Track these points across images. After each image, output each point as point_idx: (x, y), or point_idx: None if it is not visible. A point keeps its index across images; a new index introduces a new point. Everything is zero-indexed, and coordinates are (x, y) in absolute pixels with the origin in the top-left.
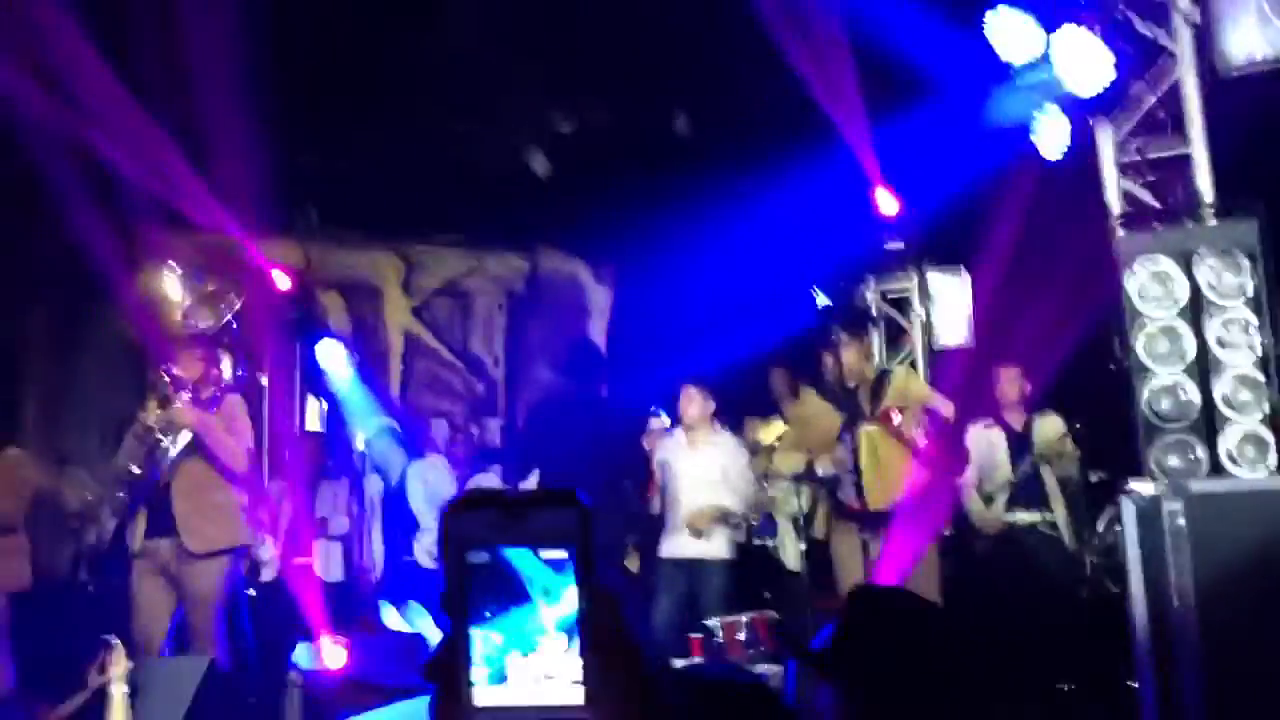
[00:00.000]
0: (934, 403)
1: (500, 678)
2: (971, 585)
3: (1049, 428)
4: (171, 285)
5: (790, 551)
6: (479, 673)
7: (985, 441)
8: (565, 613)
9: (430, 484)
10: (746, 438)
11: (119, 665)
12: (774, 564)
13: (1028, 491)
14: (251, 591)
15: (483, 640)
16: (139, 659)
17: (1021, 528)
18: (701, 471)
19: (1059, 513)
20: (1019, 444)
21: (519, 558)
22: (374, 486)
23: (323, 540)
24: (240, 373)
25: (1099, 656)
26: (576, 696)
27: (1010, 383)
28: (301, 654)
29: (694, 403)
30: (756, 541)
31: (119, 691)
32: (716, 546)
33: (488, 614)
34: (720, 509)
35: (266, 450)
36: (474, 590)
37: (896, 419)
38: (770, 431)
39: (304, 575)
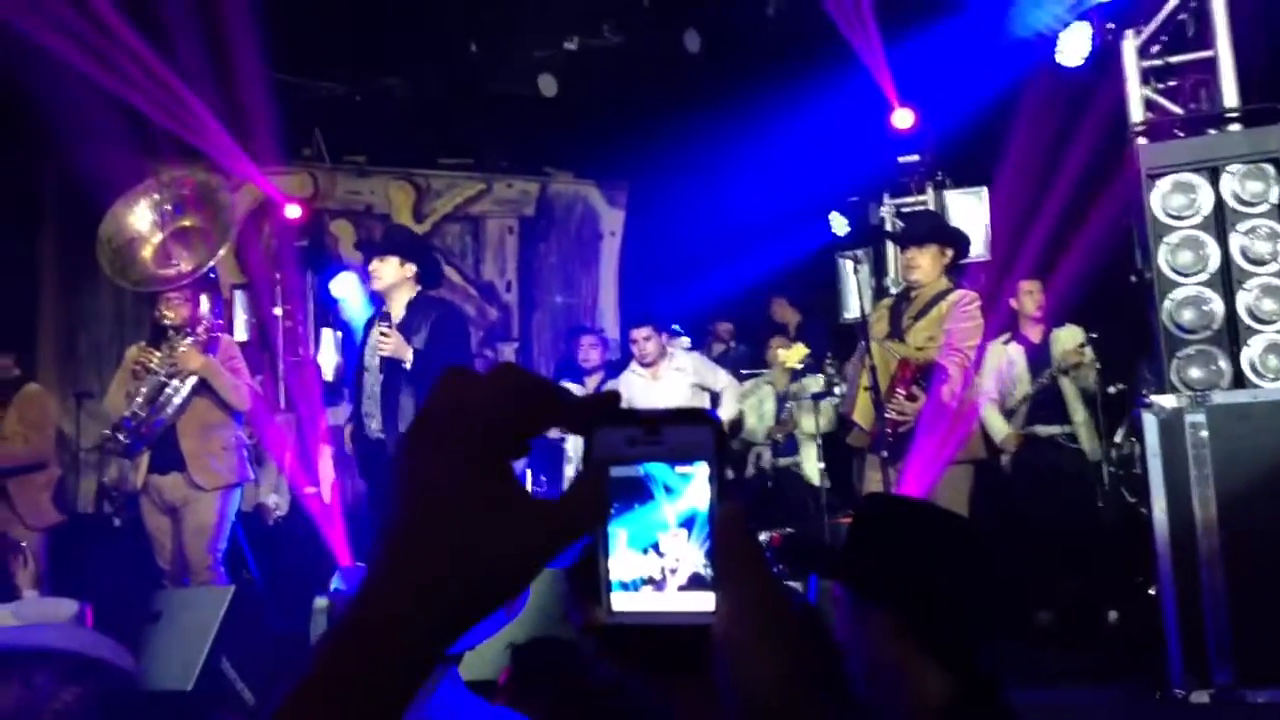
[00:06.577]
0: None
1: (635, 585)
2: (992, 499)
3: (1067, 339)
4: (142, 219)
5: (811, 469)
6: (617, 579)
7: (1004, 357)
8: (685, 507)
9: None
10: (769, 358)
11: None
12: (799, 482)
13: (1047, 405)
14: (279, 512)
15: (616, 540)
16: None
17: (1041, 440)
18: (667, 400)
19: (1079, 425)
20: (1038, 357)
21: (657, 471)
22: None
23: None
24: (216, 310)
25: (1117, 564)
26: (708, 604)
27: (1028, 296)
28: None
29: (651, 342)
30: (781, 462)
31: None
32: None
33: (616, 511)
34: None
35: (282, 381)
36: (614, 502)
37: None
38: (793, 355)
39: (324, 504)
